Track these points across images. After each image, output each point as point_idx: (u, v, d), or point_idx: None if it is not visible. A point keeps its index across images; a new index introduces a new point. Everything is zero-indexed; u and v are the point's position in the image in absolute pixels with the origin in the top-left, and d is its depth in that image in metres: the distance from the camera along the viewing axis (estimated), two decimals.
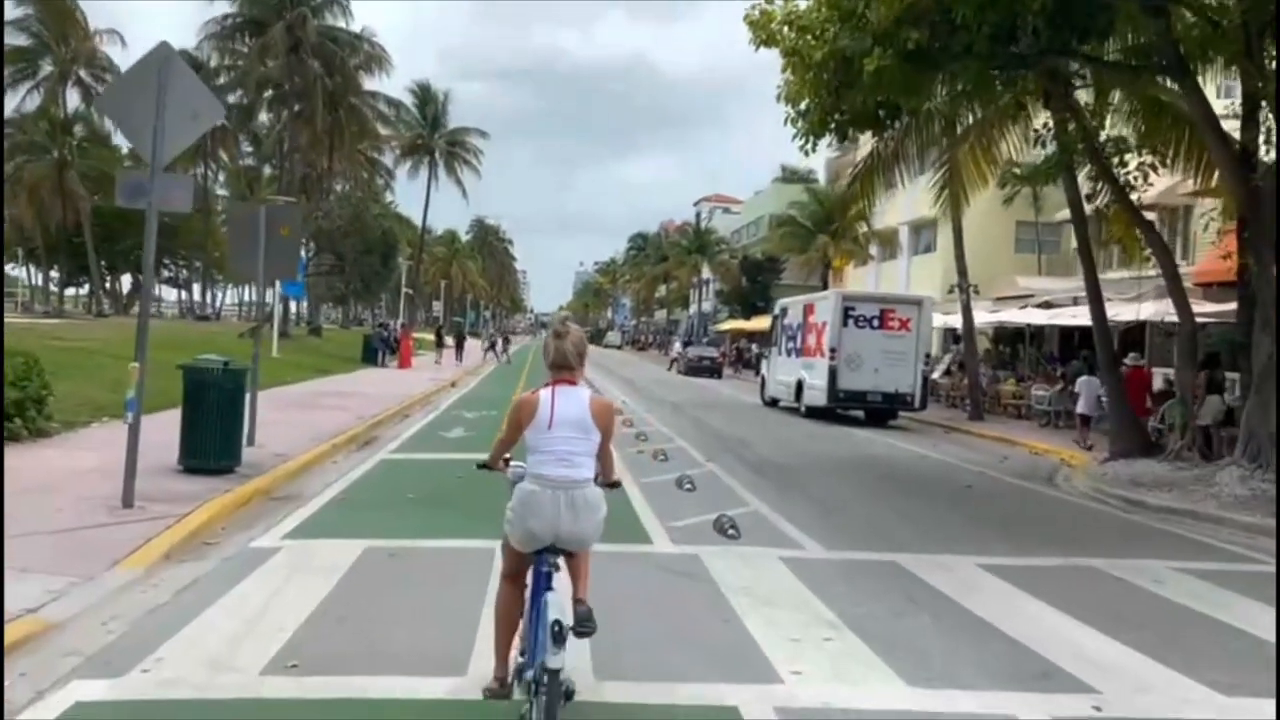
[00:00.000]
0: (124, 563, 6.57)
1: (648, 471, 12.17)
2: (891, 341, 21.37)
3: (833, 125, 12.79)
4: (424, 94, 67.17)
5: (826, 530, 9.01)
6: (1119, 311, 21.23)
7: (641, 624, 5.80)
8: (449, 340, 49.21)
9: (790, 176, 68.67)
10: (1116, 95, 15.47)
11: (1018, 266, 36.06)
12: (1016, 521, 10.58)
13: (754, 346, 56.14)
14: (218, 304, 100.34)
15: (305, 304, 75.71)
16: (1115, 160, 15.47)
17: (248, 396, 10.89)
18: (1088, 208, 16.28)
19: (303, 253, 36.51)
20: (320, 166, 41.84)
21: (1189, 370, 15.07)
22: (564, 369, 4.19)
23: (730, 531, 8.45)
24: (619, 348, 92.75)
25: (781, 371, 24.73)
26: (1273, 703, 4.84)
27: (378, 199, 35.62)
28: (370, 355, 35.13)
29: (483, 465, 4.67)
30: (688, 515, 9.28)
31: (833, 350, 21.13)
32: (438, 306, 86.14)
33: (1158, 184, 16.50)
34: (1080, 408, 18.87)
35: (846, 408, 21.90)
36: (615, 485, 4.47)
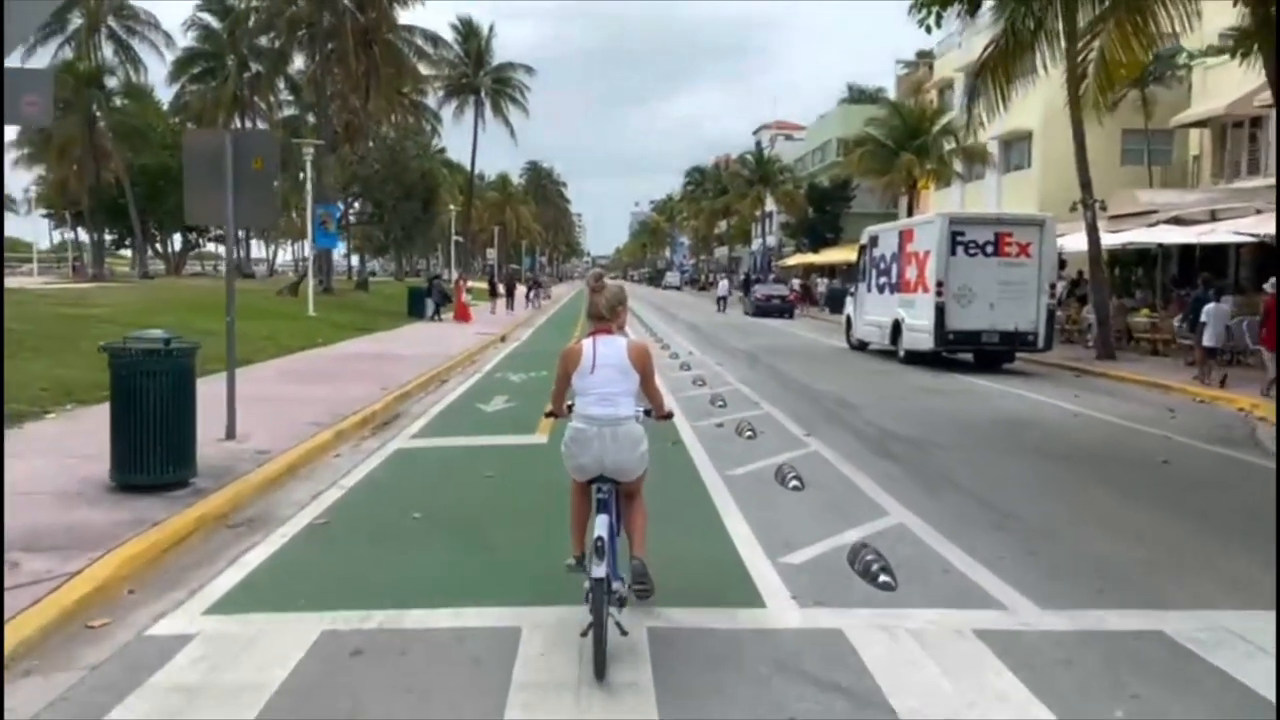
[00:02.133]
0: None
1: (734, 456, 9.33)
2: (1009, 270, 18.02)
3: None
4: (466, 29, 63.91)
5: (1020, 561, 6.09)
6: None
7: None
8: (501, 288, 46.80)
9: (858, 96, 64.00)
10: None
11: (1126, 180, 31.88)
12: None
13: (823, 282, 52.53)
14: (275, 260, 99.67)
15: (355, 257, 74.16)
16: None
17: (221, 386, 8.28)
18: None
19: (339, 202, 34.08)
20: (357, 110, 39.16)
21: None
22: (600, 319, 4.74)
23: (882, 577, 5.57)
24: (678, 288, 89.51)
25: (872, 310, 21.51)
26: None
27: (415, 140, 32.60)
28: (417, 309, 32.73)
29: (549, 414, 5.04)
30: (805, 538, 6.44)
31: (939, 284, 17.86)
32: (491, 254, 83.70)
33: None
34: (1207, 339, 15.97)
35: (955, 351, 18.70)
36: (668, 417, 5.04)
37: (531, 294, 45.46)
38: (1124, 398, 15.12)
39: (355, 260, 59.10)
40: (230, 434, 9.31)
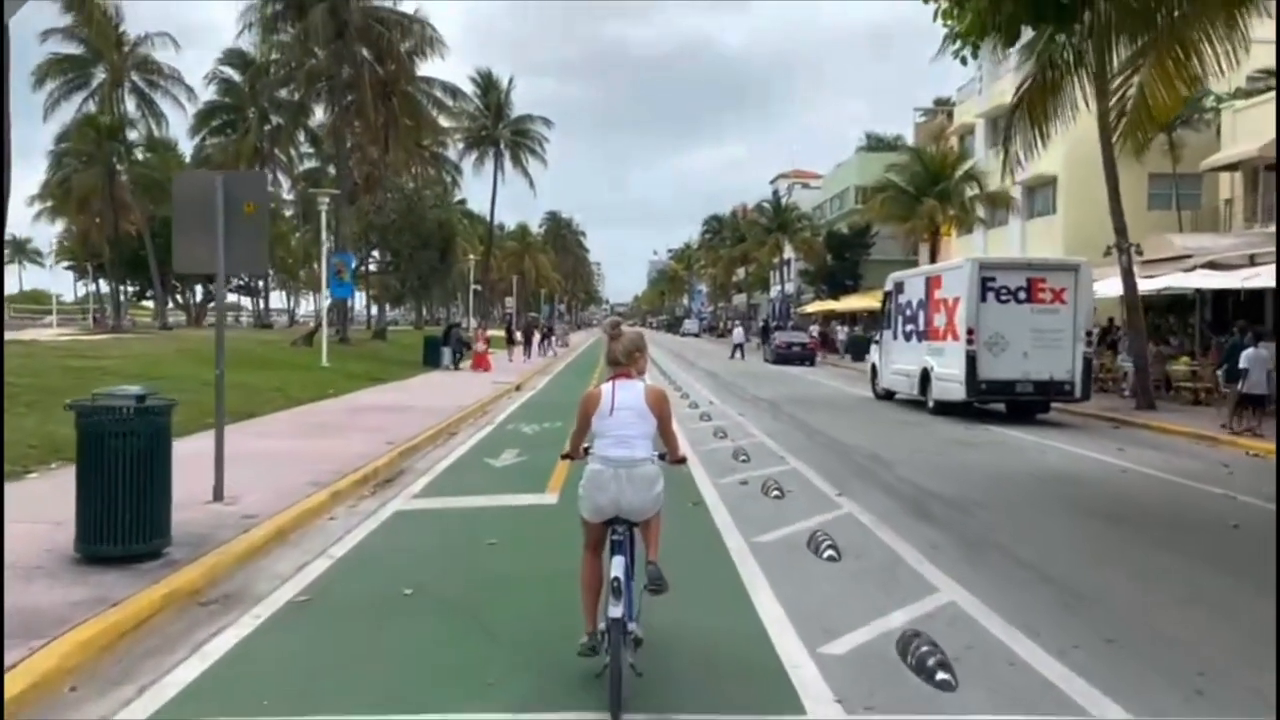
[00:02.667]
0: None
1: (761, 519, 8.57)
2: (1043, 317, 17.26)
3: (999, 21, 8.98)
4: (486, 82, 64.53)
5: (1096, 651, 5.27)
6: None
7: None
8: (519, 336, 46.37)
9: (876, 144, 63.76)
10: None
11: (1153, 224, 31.17)
12: None
13: (842, 329, 51.79)
14: (298, 312, 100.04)
15: (374, 307, 74.20)
16: None
17: (210, 443, 7.64)
18: None
19: (356, 251, 33.87)
20: (376, 161, 39.15)
21: None
22: (618, 365, 4.84)
23: (940, 674, 4.77)
24: (697, 335, 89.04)
25: (899, 359, 20.76)
26: None
27: (432, 190, 32.32)
28: (432, 359, 32.25)
29: (566, 455, 5.19)
30: (846, 621, 5.66)
31: (970, 331, 17.11)
32: (510, 302, 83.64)
33: None
34: (1248, 386, 15.20)
35: (987, 401, 17.89)
36: (681, 461, 5.04)
37: (543, 343, 44.55)
38: (1171, 451, 14.25)
39: (375, 309, 59.00)
40: (218, 495, 8.66)
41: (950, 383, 17.78)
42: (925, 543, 7.82)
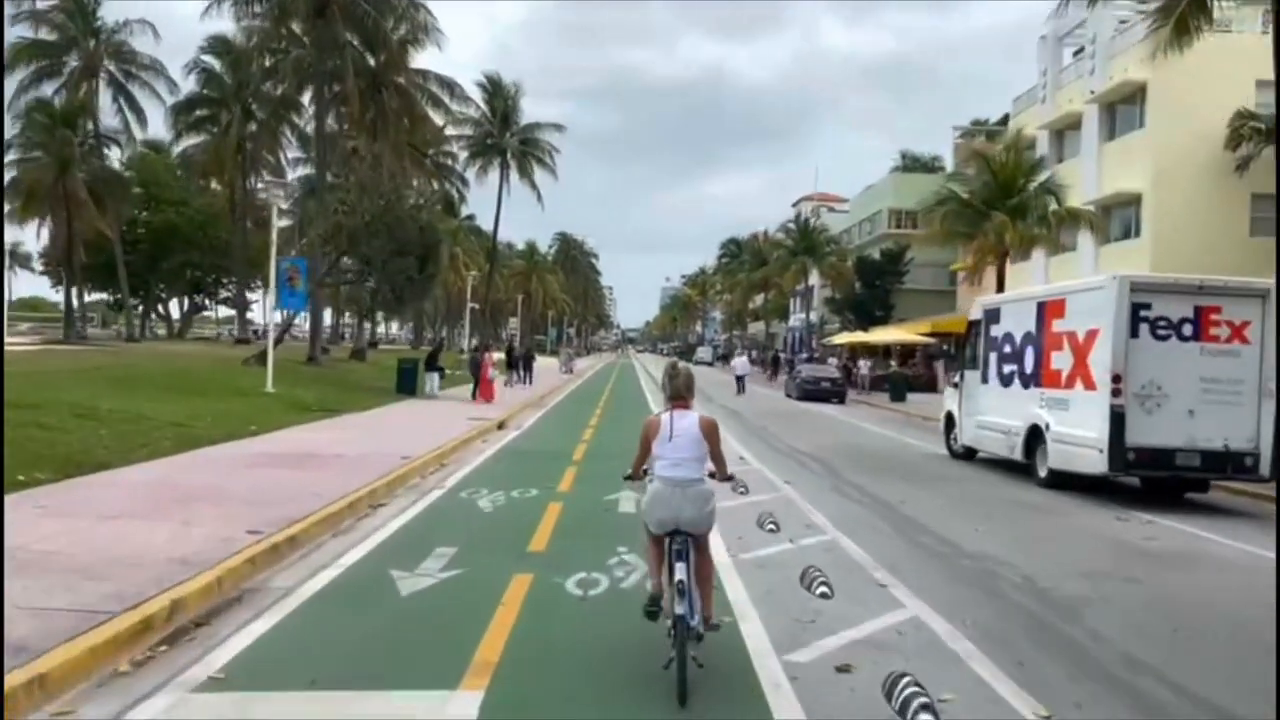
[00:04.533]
0: None
1: None
2: (1217, 362, 12.34)
3: None
4: (493, 88, 60.23)
5: None
6: None
7: None
8: (520, 362, 41.61)
9: (912, 165, 59.07)
10: None
11: (1256, 254, 26.28)
12: None
13: (865, 363, 46.81)
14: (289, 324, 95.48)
15: (366, 322, 69.56)
16: None
17: None
18: None
19: (322, 255, 29.18)
20: (349, 155, 34.65)
21: None
22: (679, 398, 5.53)
23: None
24: (710, 364, 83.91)
25: (992, 409, 15.81)
26: None
27: (419, 192, 27.54)
28: (407, 385, 27.49)
29: (628, 477, 5.85)
30: None
31: (1116, 379, 12.20)
32: (514, 323, 79.06)
33: None
34: None
35: (1134, 474, 12.94)
36: (730, 479, 5.83)
37: (516, 373, 36.50)
38: None
39: (368, 325, 54.68)
40: None
41: (1080, 447, 12.83)
42: None
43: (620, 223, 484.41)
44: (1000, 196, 25.70)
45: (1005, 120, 51.85)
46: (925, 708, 4.86)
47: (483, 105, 58.98)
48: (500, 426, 21.07)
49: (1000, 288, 26.82)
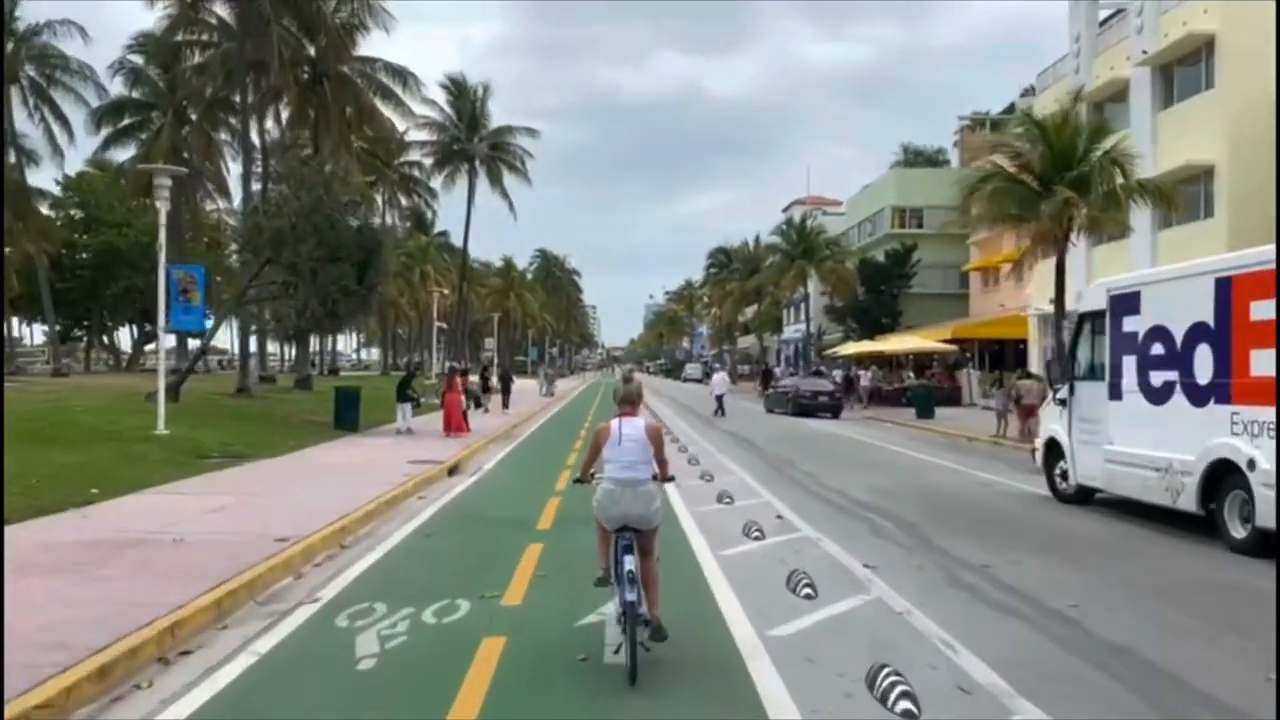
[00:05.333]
0: None
1: None
2: None
3: None
4: (458, 89, 55.53)
5: None
6: None
7: None
8: (495, 384, 36.86)
9: (914, 159, 54.83)
10: None
11: None
12: None
13: (865, 374, 42.23)
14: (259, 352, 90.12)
15: (332, 344, 64.38)
16: None
17: None
18: None
19: (242, 263, 24.38)
20: (274, 145, 29.93)
21: None
22: (628, 404, 6.00)
23: None
24: (700, 380, 78.84)
25: (1134, 435, 11.08)
26: None
27: (345, 184, 22.73)
28: (347, 420, 22.70)
29: (578, 480, 6.27)
30: None
31: None
32: (490, 344, 74.15)
33: None
34: None
35: None
36: (670, 480, 6.21)
37: (480, 403, 31.01)
38: None
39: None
40: None
41: None
42: None
43: (602, 243, 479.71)
44: (1061, 168, 21.17)
45: (1011, 109, 47.72)
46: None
47: (447, 108, 54.47)
48: (452, 471, 16.33)
49: (1060, 281, 22.29)
